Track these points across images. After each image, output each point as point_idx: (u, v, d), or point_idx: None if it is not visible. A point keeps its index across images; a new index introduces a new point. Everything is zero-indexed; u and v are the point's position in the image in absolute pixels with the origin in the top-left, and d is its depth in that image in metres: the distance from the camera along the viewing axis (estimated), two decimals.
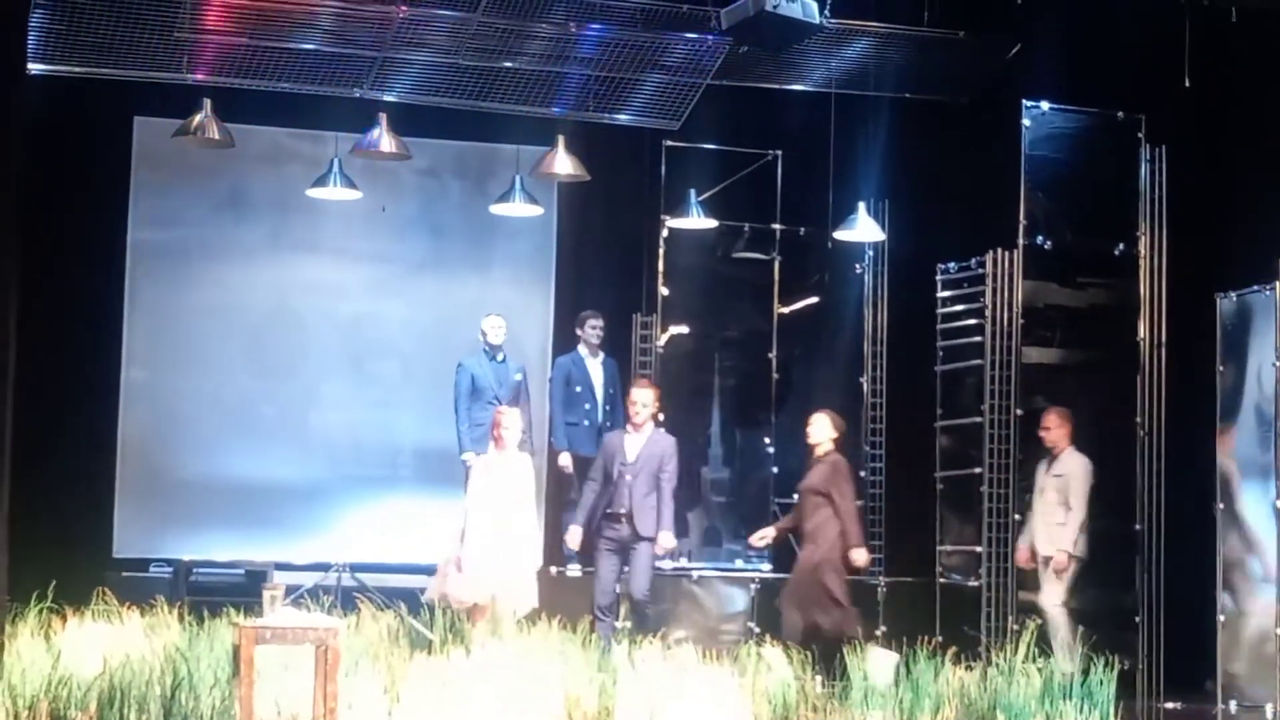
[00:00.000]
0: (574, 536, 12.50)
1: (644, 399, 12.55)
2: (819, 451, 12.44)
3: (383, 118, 13.67)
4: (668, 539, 12.43)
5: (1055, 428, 12.59)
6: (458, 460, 13.51)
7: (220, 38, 12.98)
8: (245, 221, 14.86)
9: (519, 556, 11.83)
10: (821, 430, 12.45)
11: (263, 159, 14.81)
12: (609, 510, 12.36)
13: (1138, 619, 12.87)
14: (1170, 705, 12.37)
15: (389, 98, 13.76)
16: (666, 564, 13.38)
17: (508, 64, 13.50)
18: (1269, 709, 11.30)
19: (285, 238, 14.97)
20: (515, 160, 14.57)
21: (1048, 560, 12.44)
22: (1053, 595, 12.40)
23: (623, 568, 12.39)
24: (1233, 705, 11.71)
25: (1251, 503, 11.73)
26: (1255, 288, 11.78)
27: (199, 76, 13.38)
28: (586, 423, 14.07)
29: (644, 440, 12.49)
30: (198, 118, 13.36)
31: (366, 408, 15.07)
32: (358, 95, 13.73)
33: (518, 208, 14.65)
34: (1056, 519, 12.48)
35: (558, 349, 14.89)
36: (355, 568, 14.12)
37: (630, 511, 12.32)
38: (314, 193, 14.35)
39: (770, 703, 9.84)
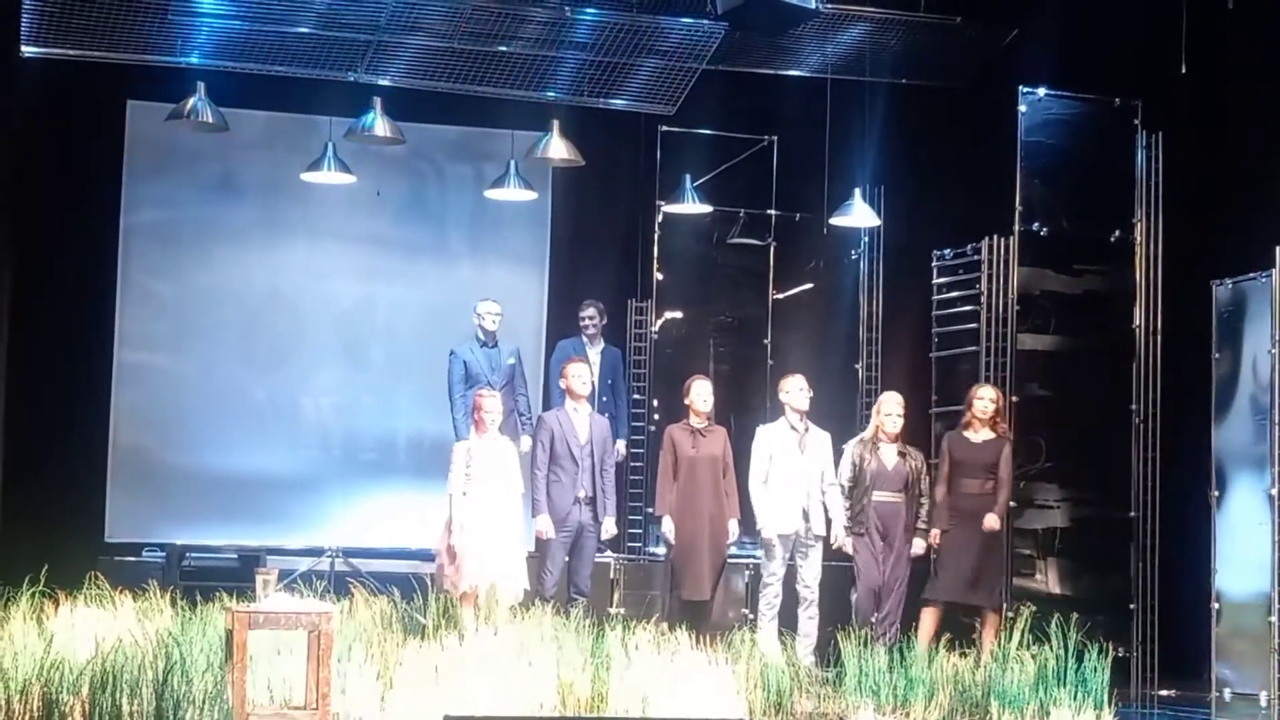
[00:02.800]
0: (548, 525, 12.18)
1: (585, 375, 12.53)
2: None
3: (377, 102, 13.63)
4: (612, 525, 12.43)
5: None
6: (452, 446, 13.45)
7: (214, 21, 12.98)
8: (239, 206, 14.79)
9: (506, 542, 11.75)
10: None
11: (256, 143, 14.75)
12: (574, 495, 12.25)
13: (1132, 606, 12.86)
14: (1165, 692, 12.37)
15: (383, 82, 13.74)
16: (660, 550, 13.33)
17: (502, 48, 13.48)
18: (1263, 696, 11.29)
19: (279, 222, 14.91)
20: (510, 145, 14.52)
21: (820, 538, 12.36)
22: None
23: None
24: (1227, 693, 11.70)
25: (1246, 490, 11.72)
26: (1251, 275, 11.75)
27: (193, 60, 13.36)
28: None
29: (587, 420, 12.42)
30: (191, 101, 13.30)
31: (360, 392, 15.03)
32: (352, 79, 13.72)
33: (512, 193, 14.60)
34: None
35: (552, 334, 14.86)
36: (348, 553, 14.10)
37: (594, 495, 12.26)
38: (308, 177, 14.30)
39: (765, 689, 9.84)
